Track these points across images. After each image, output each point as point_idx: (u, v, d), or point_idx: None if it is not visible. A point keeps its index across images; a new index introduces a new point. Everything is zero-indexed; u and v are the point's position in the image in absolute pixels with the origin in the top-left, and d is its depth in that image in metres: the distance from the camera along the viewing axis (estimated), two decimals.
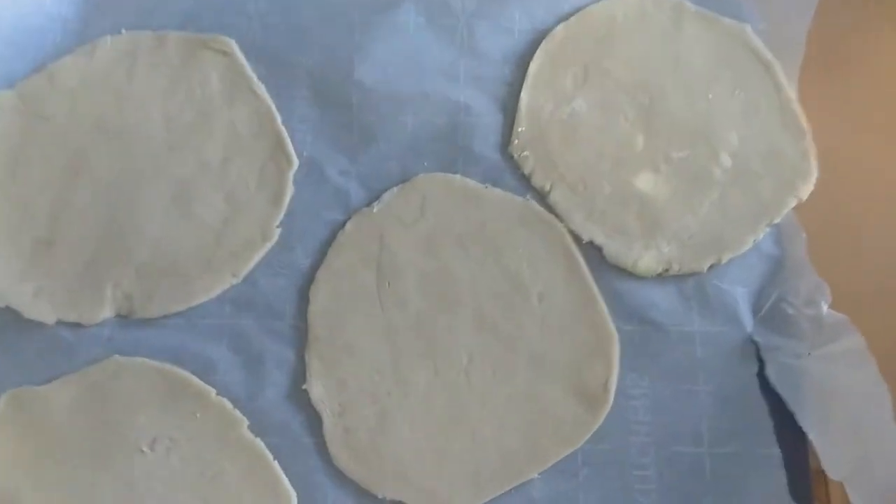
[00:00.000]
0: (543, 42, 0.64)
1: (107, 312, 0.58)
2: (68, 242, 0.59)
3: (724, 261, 0.58)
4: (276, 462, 0.54)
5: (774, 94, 0.63)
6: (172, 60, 0.64)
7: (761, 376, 0.56)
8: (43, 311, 0.57)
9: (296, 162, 0.61)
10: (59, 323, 0.58)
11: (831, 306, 0.55)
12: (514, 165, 0.62)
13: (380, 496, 0.54)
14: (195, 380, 0.56)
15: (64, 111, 0.63)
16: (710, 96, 0.62)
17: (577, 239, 0.59)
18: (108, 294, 0.58)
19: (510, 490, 0.54)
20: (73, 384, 0.56)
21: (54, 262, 0.59)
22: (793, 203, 0.59)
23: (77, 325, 0.58)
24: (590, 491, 0.54)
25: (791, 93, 0.63)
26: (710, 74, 0.63)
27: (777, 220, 0.59)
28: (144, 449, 0.54)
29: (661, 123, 0.62)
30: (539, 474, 0.54)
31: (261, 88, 0.63)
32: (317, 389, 0.56)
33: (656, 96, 0.62)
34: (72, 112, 0.63)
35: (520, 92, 0.63)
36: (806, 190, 0.60)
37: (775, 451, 0.54)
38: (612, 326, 0.57)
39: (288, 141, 0.62)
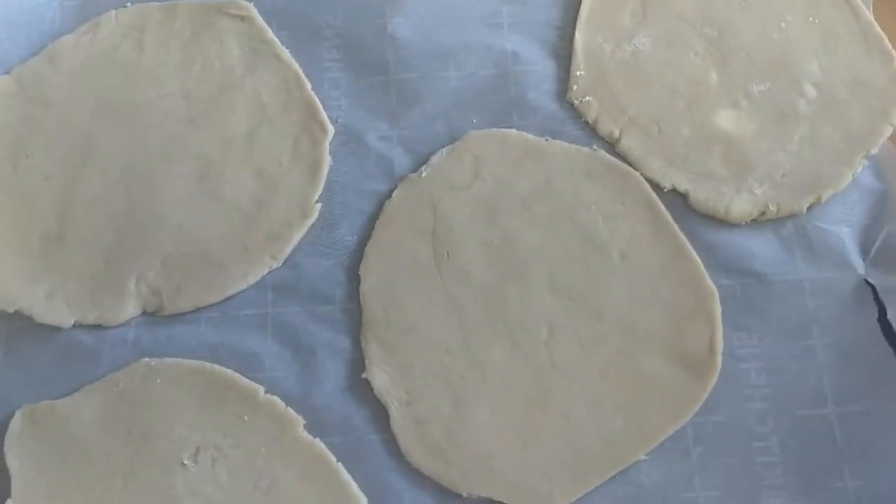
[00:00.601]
0: None
1: (131, 310, 0.51)
2: (82, 236, 0.52)
3: (824, 199, 0.52)
4: (340, 464, 0.47)
5: (853, 20, 0.57)
6: (185, 31, 0.58)
7: (883, 322, 0.49)
8: (58, 314, 0.50)
9: (331, 130, 0.55)
10: (78, 326, 0.50)
11: None
12: (574, 114, 0.55)
13: (464, 494, 0.46)
14: (239, 378, 0.49)
15: (67, 95, 0.56)
16: (783, 25, 0.56)
17: (656, 187, 0.52)
18: (131, 289, 0.51)
19: (615, 477, 0.46)
20: (97, 394, 0.49)
21: (67, 259, 0.52)
22: (888, 131, 0.53)
23: (98, 327, 0.51)
24: (706, 471, 0.47)
25: (869, 16, 0.57)
26: (780, 2, 0.57)
27: (874, 151, 0.53)
28: (186, 462, 0.47)
29: (735, 56, 0.55)
30: (646, 455, 0.46)
31: (286, 54, 0.57)
32: (379, 378, 0.49)
33: (725, 28, 0.56)
34: (76, 95, 0.56)
35: (572, 35, 0.57)
36: None
37: None
38: (709, 281, 0.50)
39: (320, 108, 0.55)
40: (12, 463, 0.47)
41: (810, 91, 0.54)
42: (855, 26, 0.56)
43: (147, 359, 0.49)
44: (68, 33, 0.58)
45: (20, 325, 0.50)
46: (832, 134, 0.53)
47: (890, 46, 0.55)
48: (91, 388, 0.49)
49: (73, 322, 0.50)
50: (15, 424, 0.48)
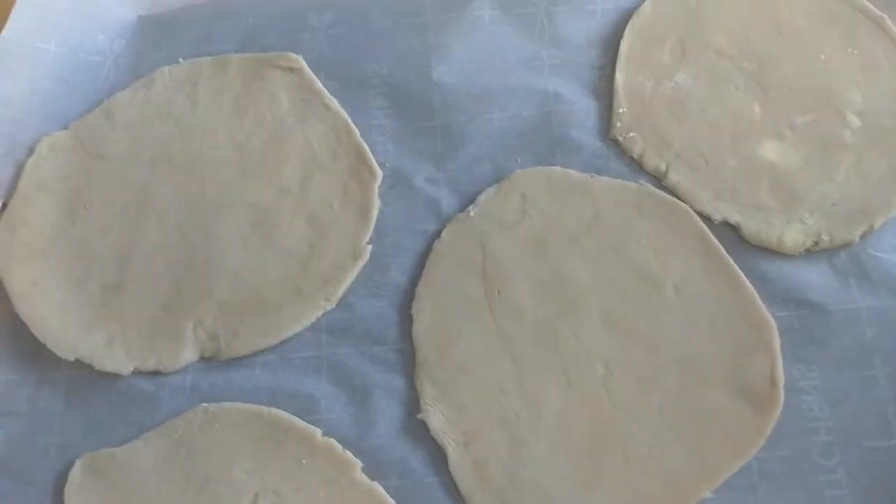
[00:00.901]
0: (631, 19, 0.59)
1: (189, 356, 0.51)
2: (140, 284, 0.53)
3: (876, 226, 0.51)
4: None
5: (892, 48, 0.57)
6: (236, 84, 0.60)
7: None
8: (118, 361, 0.51)
9: (380, 174, 0.56)
10: (136, 373, 0.51)
11: None
12: (618, 151, 0.56)
13: None
14: (297, 421, 0.49)
15: (124, 148, 0.58)
16: (822, 57, 0.57)
17: (706, 220, 0.52)
18: (189, 335, 0.52)
19: None
20: (156, 441, 0.49)
21: (126, 307, 0.53)
22: None
23: (156, 374, 0.51)
24: None
25: None
26: (816, 35, 0.58)
27: None
28: None
29: (776, 89, 0.56)
30: (711, 493, 0.45)
31: (334, 103, 0.58)
32: (435, 418, 0.48)
33: (764, 62, 0.57)
34: (132, 147, 0.58)
35: (612, 74, 0.58)
36: None
37: None
38: (766, 313, 0.49)
39: (369, 153, 0.56)
40: None
41: (854, 120, 0.55)
42: (894, 55, 0.57)
43: (205, 404, 0.50)
44: (122, 89, 0.61)
45: (80, 374, 0.51)
46: (879, 162, 0.53)
47: None
48: (150, 435, 0.49)
49: (132, 369, 0.51)
50: (75, 473, 0.49)
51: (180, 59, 0.61)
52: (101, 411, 0.50)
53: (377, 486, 0.47)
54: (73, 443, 0.49)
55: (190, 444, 0.49)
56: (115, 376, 0.51)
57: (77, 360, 0.51)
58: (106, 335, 0.52)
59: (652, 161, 0.55)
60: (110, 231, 0.55)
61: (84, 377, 0.51)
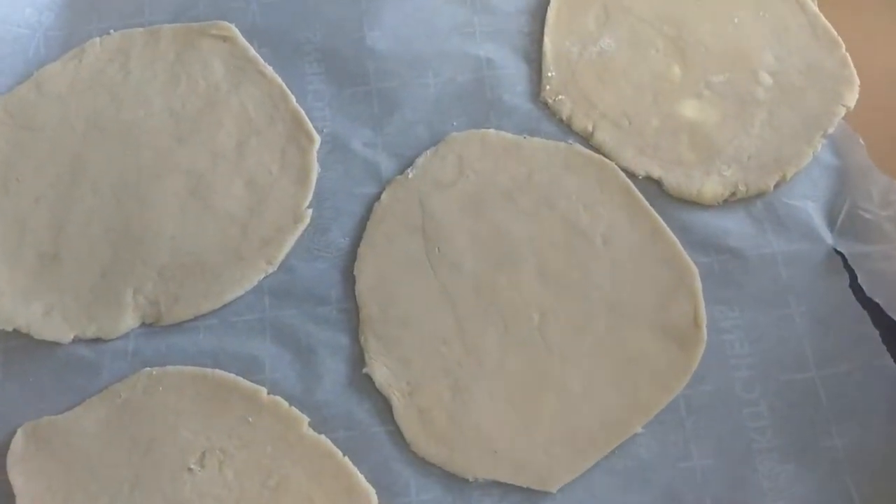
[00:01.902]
0: None
1: (130, 322, 0.51)
2: (76, 252, 0.53)
3: (788, 177, 0.55)
4: (346, 458, 0.47)
5: (800, 12, 0.61)
6: (169, 54, 0.60)
7: (855, 286, 0.52)
8: (57, 330, 0.51)
9: (318, 139, 0.57)
10: (77, 340, 0.51)
11: None
12: (548, 113, 0.58)
13: (470, 478, 0.47)
14: (242, 381, 0.49)
15: (55, 119, 0.57)
16: (736, 21, 0.60)
17: (631, 176, 0.55)
18: (128, 301, 0.52)
19: (614, 451, 0.48)
20: (99, 407, 0.49)
21: (63, 276, 0.52)
22: (842, 112, 0.57)
23: (97, 341, 0.51)
24: (701, 439, 0.48)
25: (815, 8, 0.61)
26: (730, 0, 0.61)
27: (830, 130, 0.56)
28: (192, 466, 0.47)
29: (694, 51, 0.59)
30: (642, 428, 0.48)
31: (269, 70, 0.59)
32: (380, 371, 0.50)
33: (682, 26, 0.60)
34: (64, 118, 0.57)
35: (541, 40, 0.60)
36: (851, 97, 0.57)
37: (889, 361, 0.49)
38: (688, 259, 0.52)
39: (306, 119, 0.57)
40: (16, 480, 0.47)
41: (766, 79, 0.58)
42: (802, 18, 0.60)
43: (148, 368, 0.50)
44: (53, 61, 0.60)
45: (18, 343, 0.51)
46: (791, 117, 0.57)
47: (836, 34, 0.59)
48: (93, 400, 0.49)
49: (72, 337, 0.51)
50: (17, 442, 0.48)
51: (112, 31, 0.61)
52: (41, 380, 0.50)
53: (324, 439, 0.48)
54: (13, 413, 0.49)
55: (134, 408, 0.49)
56: (55, 345, 0.50)
57: (15, 331, 0.50)
58: (44, 304, 0.51)
59: (580, 122, 0.57)
60: (44, 201, 0.55)
61: (23, 347, 0.51)
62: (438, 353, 0.50)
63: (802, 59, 0.59)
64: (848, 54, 0.59)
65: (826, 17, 0.60)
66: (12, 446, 0.48)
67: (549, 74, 0.58)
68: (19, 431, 0.48)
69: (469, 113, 0.58)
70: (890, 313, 0.50)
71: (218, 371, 0.50)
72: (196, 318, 0.52)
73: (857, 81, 0.58)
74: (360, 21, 0.60)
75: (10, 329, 0.50)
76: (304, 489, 0.46)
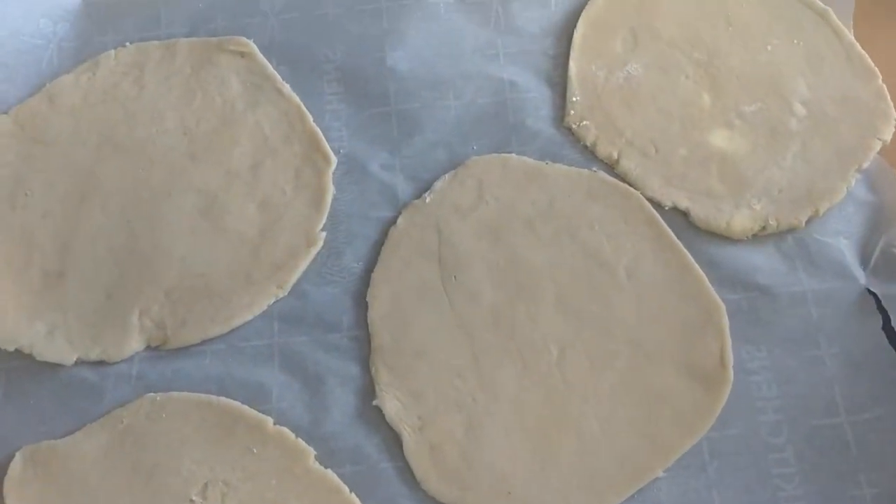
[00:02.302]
0: (584, 10, 0.60)
1: (135, 345, 0.50)
2: (83, 272, 0.52)
3: (821, 212, 0.53)
4: (353, 494, 0.45)
5: (836, 40, 0.59)
6: (185, 68, 0.58)
7: (888, 329, 0.49)
8: (60, 351, 0.49)
9: (334, 160, 0.55)
10: (80, 363, 0.50)
11: None
12: (572, 139, 0.56)
13: None
14: (247, 410, 0.48)
15: (67, 132, 0.56)
16: (769, 48, 0.58)
17: (657, 206, 0.53)
18: (134, 324, 0.50)
19: (633, 496, 0.46)
20: (100, 432, 0.48)
21: (68, 295, 0.51)
22: (878, 146, 0.55)
23: (100, 364, 0.50)
24: (723, 485, 0.46)
25: (851, 37, 0.59)
26: (764, 27, 0.59)
27: (865, 165, 0.54)
28: (195, 498, 0.45)
29: (725, 79, 0.57)
30: (663, 472, 0.46)
31: (286, 88, 0.57)
32: (390, 404, 0.48)
33: (713, 52, 0.58)
34: (76, 132, 0.56)
35: (566, 63, 0.58)
36: (888, 131, 0.55)
37: None
38: (715, 296, 0.50)
39: (323, 139, 0.56)
40: None
41: (800, 109, 0.56)
42: (838, 46, 0.58)
43: (152, 394, 0.48)
44: (66, 73, 0.59)
45: (20, 364, 0.49)
46: (824, 150, 0.55)
47: (872, 64, 0.57)
48: (94, 426, 0.48)
49: (75, 359, 0.49)
50: (15, 466, 0.47)
51: (127, 44, 0.60)
52: (42, 403, 0.48)
53: (331, 474, 0.46)
54: (12, 435, 0.47)
55: (136, 435, 0.47)
56: (57, 367, 0.49)
57: (17, 351, 0.49)
58: (47, 324, 0.50)
59: (604, 148, 0.55)
60: (52, 217, 0.53)
61: (24, 368, 0.49)
62: (452, 386, 0.48)
63: (837, 89, 0.57)
64: (885, 85, 0.57)
65: (862, 47, 0.58)
66: (10, 470, 0.47)
67: (574, 99, 0.57)
68: (18, 455, 0.47)
69: (490, 136, 0.56)
70: None
71: (223, 399, 0.48)
72: (203, 343, 0.50)
73: (895, 114, 0.56)
74: (382, 41, 0.59)
75: (11, 349, 0.49)
76: None
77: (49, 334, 0.50)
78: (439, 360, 0.49)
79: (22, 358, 0.49)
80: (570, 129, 0.56)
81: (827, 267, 0.52)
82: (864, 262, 0.52)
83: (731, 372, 0.48)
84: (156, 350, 0.50)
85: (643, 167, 0.54)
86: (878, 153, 0.55)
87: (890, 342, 0.49)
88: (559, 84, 0.58)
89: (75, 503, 0.46)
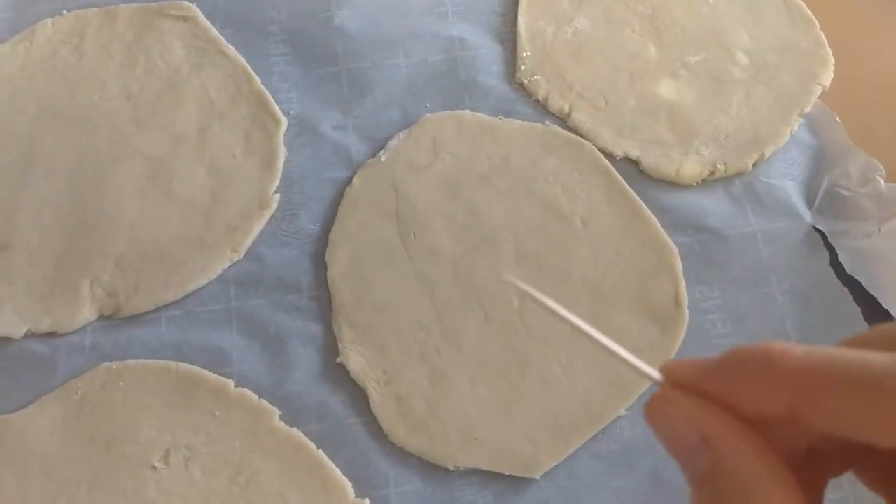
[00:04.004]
0: None
1: (87, 314, 0.48)
2: (28, 243, 0.50)
3: (766, 155, 0.54)
4: (320, 451, 0.45)
5: None
6: (126, 35, 0.57)
7: (835, 265, 0.51)
8: (8, 324, 0.47)
9: (284, 121, 0.54)
10: (30, 335, 0.48)
11: (887, 180, 0.52)
12: (524, 94, 0.57)
13: (450, 467, 0.45)
14: (207, 374, 0.47)
15: (4, 103, 0.54)
16: (711, 1, 0.60)
17: (609, 156, 0.54)
18: (85, 293, 0.49)
19: (598, 434, 0.46)
20: (55, 404, 0.46)
21: (14, 267, 0.49)
22: (818, 91, 0.57)
23: (52, 335, 0.48)
24: None
25: None
26: None
27: (807, 109, 0.56)
28: (157, 464, 0.44)
29: (670, 31, 0.58)
30: (626, 410, 0.47)
31: (231, 50, 0.56)
32: (355, 360, 0.48)
33: (657, 6, 0.59)
34: (13, 102, 0.54)
35: (514, 20, 0.59)
36: (827, 76, 0.57)
37: None
38: (668, 240, 0.51)
39: (272, 100, 0.55)
40: None
41: (742, 58, 0.57)
42: None
43: (107, 362, 0.47)
44: (1, 44, 0.56)
45: None
46: (767, 96, 0.56)
47: (810, 13, 0.59)
48: (48, 398, 0.46)
49: (24, 331, 0.48)
50: None
51: (64, 12, 0.58)
52: None
53: (296, 432, 0.45)
54: None
55: (92, 405, 0.46)
56: (6, 340, 0.47)
57: None
58: None
59: (556, 102, 0.56)
60: None
61: None
62: (416, 339, 0.48)
63: (777, 38, 0.58)
64: (822, 33, 0.59)
65: None
66: None
67: (524, 55, 0.57)
68: None
69: (443, 94, 0.56)
70: (870, 290, 0.50)
71: (182, 364, 0.47)
72: (157, 310, 0.49)
73: (832, 60, 0.58)
74: (328, 0, 0.58)
75: None
76: (276, 484, 0.44)
77: None
78: (402, 314, 0.49)
79: None
80: (521, 84, 0.57)
81: (774, 208, 0.53)
82: (810, 201, 0.54)
83: (687, 311, 0.49)
84: (109, 319, 0.49)
85: (594, 119, 0.55)
86: (819, 98, 0.57)
87: (837, 277, 0.51)
88: (509, 40, 0.59)
89: (31, 478, 0.44)
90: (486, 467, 0.45)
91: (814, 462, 0.23)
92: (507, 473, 0.45)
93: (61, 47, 0.56)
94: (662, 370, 0.23)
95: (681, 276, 0.50)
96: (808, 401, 0.20)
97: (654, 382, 0.23)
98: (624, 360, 0.24)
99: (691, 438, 0.21)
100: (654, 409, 0.23)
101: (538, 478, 0.45)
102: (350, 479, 0.44)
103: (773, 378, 0.20)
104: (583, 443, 0.46)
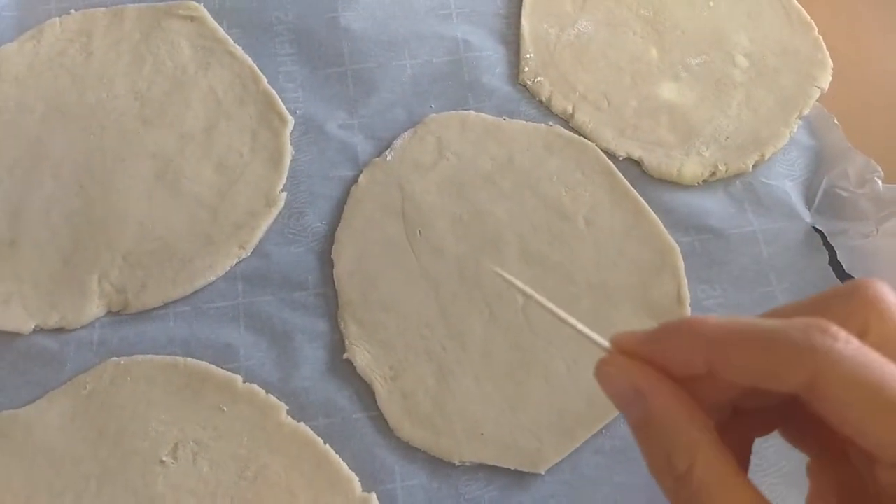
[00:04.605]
0: None
1: (95, 310, 0.49)
2: (36, 239, 0.50)
3: (766, 156, 0.55)
4: (327, 446, 0.45)
5: None
6: (134, 34, 0.57)
7: (834, 264, 0.52)
8: (16, 319, 0.48)
9: (291, 120, 0.55)
10: (38, 330, 0.48)
11: (885, 181, 0.53)
12: (528, 95, 0.57)
13: (456, 462, 0.46)
14: (215, 369, 0.47)
15: (12, 102, 0.55)
16: (711, 4, 0.61)
17: (612, 157, 0.55)
18: (93, 289, 0.49)
19: (601, 431, 0.47)
20: (63, 399, 0.46)
21: (22, 263, 0.49)
22: (816, 93, 0.58)
23: (60, 331, 0.48)
24: None
25: None
26: None
27: (806, 112, 0.57)
28: (165, 459, 0.45)
29: (671, 34, 0.59)
30: None
31: (238, 50, 0.57)
32: (361, 356, 0.48)
33: (659, 9, 0.60)
34: (21, 101, 0.55)
35: (517, 22, 0.60)
36: (825, 79, 0.58)
37: None
38: (670, 239, 0.52)
39: (278, 100, 0.55)
40: None
41: (742, 61, 0.58)
42: (776, 2, 0.61)
43: (115, 358, 0.47)
44: (9, 43, 0.57)
45: None
46: (767, 98, 0.57)
47: (808, 17, 0.60)
48: (56, 392, 0.47)
49: (32, 326, 0.48)
50: None
51: (72, 11, 0.58)
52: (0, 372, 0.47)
53: (304, 427, 0.46)
54: None
55: (100, 400, 0.46)
56: (14, 336, 0.48)
57: None
58: (2, 293, 0.48)
59: (559, 103, 0.56)
60: (0, 186, 0.52)
61: None
62: (421, 337, 0.49)
63: (777, 41, 0.59)
64: (821, 37, 0.60)
65: (799, 1, 0.61)
66: None
67: (528, 56, 0.58)
68: None
69: (447, 95, 0.57)
70: None
71: (190, 359, 0.47)
72: (165, 306, 0.49)
73: (831, 63, 0.59)
74: (334, 1, 0.59)
75: None
76: (283, 479, 0.44)
77: (4, 303, 0.48)
78: (407, 312, 0.50)
79: None
80: (525, 85, 0.57)
81: (774, 208, 0.54)
82: (809, 202, 0.54)
83: (689, 310, 0.50)
84: (117, 315, 0.49)
85: (597, 120, 0.56)
86: (818, 101, 0.58)
87: (836, 275, 0.52)
88: (512, 42, 0.59)
89: (39, 473, 0.44)
90: (491, 462, 0.46)
91: (740, 422, 0.27)
92: (513, 468, 0.45)
93: (69, 46, 0.57)
94: (611, 340, 0.28)
95: (683, 274, 0.51)
96: (720, 357, 0.24)
97: (605, 350, 0.28)
98: (581, 333, 0.29)
99: (628, 392, 0.26)
100: (600, 370, 0.28)
101: (543, 473, 0.45)
102: (357, 474, 0.45)
103: (692, 340, 0.24)
104: (586, 439, 0.47)
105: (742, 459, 0.27)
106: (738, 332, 0.23)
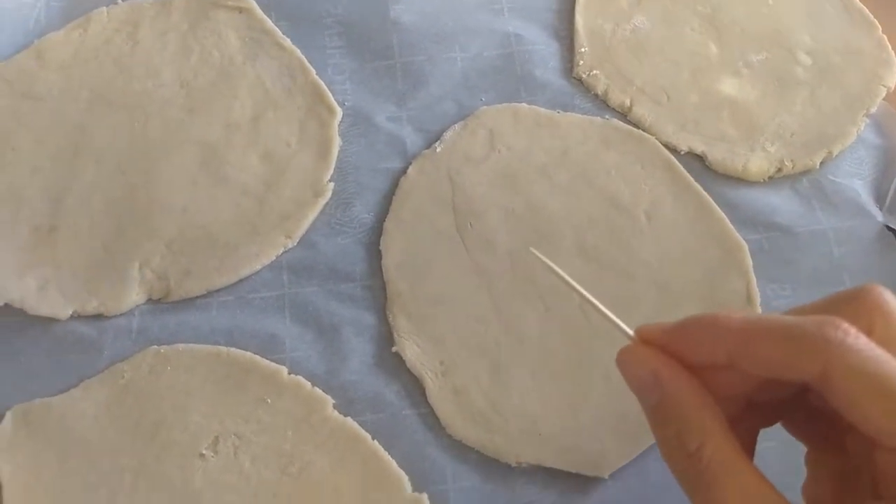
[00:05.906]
0: None
1: (135, 297, 0.47)
2: (76, 226, 0.49)
3: (834, 154, 0.52)
4: (375, 442, 0.43)
5: None
6: (181, 25, 0.56)
7: None
8: (53, 305, 0.46)
9: (339, 111, 0.53)
10: (75, 317, 0.46)
11: None
12: (582, 89, 0.56)
13: (512, 463, 0.43)
14: (260, 360, 0.45)
15: (57, 88, 0.54)
16: (771, 2, 0.59)
17: (673, 151, 0.52)
18: (134, 276, 0.47)
19: None
20: (100, 388, 0.44)
21: (61, 249, 0.48)
22: (882, 92, 0.55)
23: (98, 318, 0.46)
24: None
25: None
26: None
27: (873, 110, 0.54)
28: (204, 452, 0.42)
29: (730, 31, 0.57)
30: None
31: (287, 42, 0.56)
32: (411, 350, 0.46)
33: (717, 6, 0.58)
34: (66, 89, 0.54)
35: (570, 17, 0.58)
36: (891, 78, 0.56)
37: None
38: (737, 235, 0.49)
39: (327, 91, 0.54)
40: (4, 468, 0.42)
41: (805, 59, 0.56)
42: (837, 2, 0.59)
43: (155, 346, 0.45)
44: (55, 31, 0.56)
45: (10, 320, 0.46)
46: (831, 96, 0.55)
47: (871, 16, 0.58)
48: (93, 381, 0.44)
49: (70, 312, 0.46)
50: (5, 426, 0.43)
51: (119, 1, 0.58)
52: (34, 360, 0.45)
53: (350, 422, 0.43)
54: (3, 395, 0.44)
55: (138, 390, 0.44)
56: (51, 321, 0.46)
57: (7, 306, 0.46)
58: (39, 279, 0.47)
59: (616, 97, 0.55)
60: (41, 173, 0.50)
61: (16, 324, 0.46)
62: (474, 331, 0.46)
63: (839, 40, 0.57)
64: (885, 36, 0.58)
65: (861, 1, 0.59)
66: (0, 430, 0.43)
67: (582, 50, 0.56)
68: (8, 414, 0.43)
69: (498, 88, 0.55)
70: None
71: (233, 349, 0.45)
72: (208, 295, 0.47)
73: None
74: None
75: (1, 304, 0.46)
76: (329, 476, 0.42)
77: (41, 288, 0.46)
78: (458, 305, 0.47)
79: (13, 314, 0.46)
80: (579, 79, 0.56)
81: (844, 206, 0.51)
82: (880, 201, 0.52)
83: (760, 309, 0.47)
84: (158, 303, 0.47)
85: (656, 114, 0.54)
86: (884, 100, 0.55)
87: None
88: (566, 37, 0.58)
89: (73, 465, 0.42)
90: (550, 464, 0.43)
91: (751, 413, 0.29)
92: (574, 472, 0.42)
93: (115, 35, 0.56)
94: (636, 330, 0.30)
95: (751, 272, 0.48)
96: (742, 349, 0.26)
97: (629, 338, 0.30)
98: (607, 318, 0.31)
99: (646, 377, 0.28)
100: (621, 357, 0.30)
101: (607, 477, 0.42)
102: (406, 473, 0.42)
103: (718, 333, 0.27)
104: (652, 443, 0.43)
105: (747, 448, 0.29)
106: (761, 326, 0.26)
